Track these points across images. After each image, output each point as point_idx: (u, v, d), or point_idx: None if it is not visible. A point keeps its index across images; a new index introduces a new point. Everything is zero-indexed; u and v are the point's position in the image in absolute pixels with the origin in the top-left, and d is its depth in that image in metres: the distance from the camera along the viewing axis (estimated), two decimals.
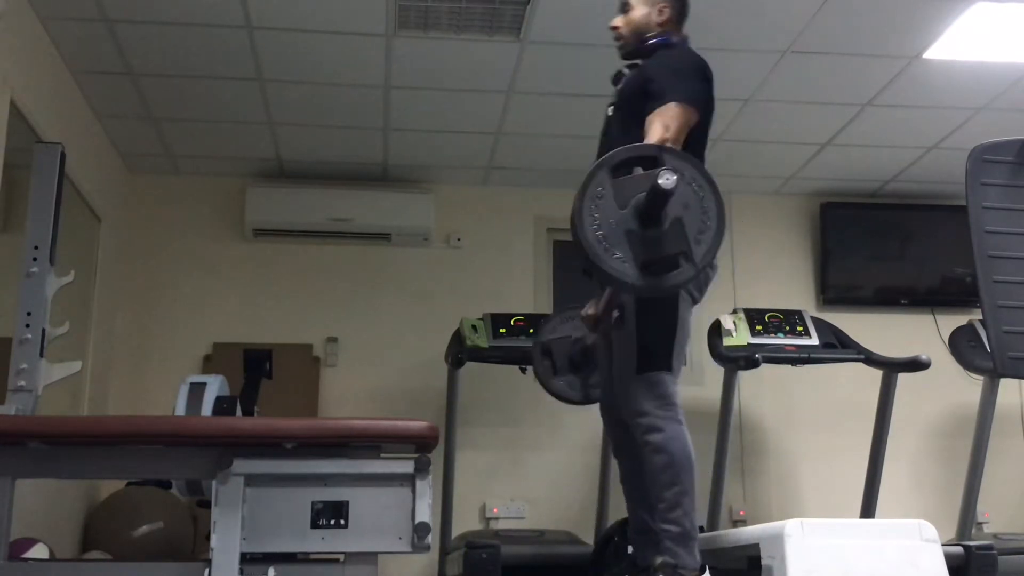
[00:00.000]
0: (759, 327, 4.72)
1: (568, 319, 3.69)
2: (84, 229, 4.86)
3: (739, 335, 4.68)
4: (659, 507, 2.86)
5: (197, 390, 3.05)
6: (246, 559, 2.20)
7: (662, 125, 2.90)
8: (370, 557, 2.26)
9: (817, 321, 4.87)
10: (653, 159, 2.61)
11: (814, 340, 4.76)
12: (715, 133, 5.16)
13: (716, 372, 4.84)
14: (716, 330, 4.72)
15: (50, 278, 2.88)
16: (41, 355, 2.80)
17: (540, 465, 5.47)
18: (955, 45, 4.32)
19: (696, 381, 5.42)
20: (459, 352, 4.63)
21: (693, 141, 3.02)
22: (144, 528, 4.55)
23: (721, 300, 5.21)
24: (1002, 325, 2.93)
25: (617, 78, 3.30)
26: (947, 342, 5.22)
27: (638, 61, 3.23)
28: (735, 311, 4.81)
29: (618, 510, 4.23)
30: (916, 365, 4.60)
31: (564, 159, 5.40)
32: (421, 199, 5.59)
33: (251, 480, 2.24)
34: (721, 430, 4.63)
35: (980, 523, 5.34)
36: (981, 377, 4.82)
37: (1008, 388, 5.30)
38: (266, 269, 5.57)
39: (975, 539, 4.21)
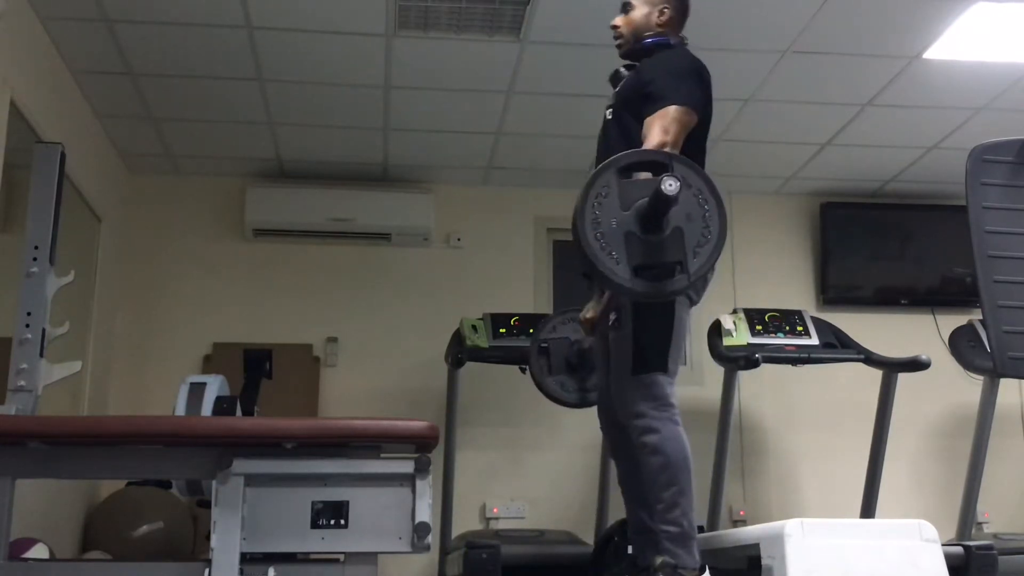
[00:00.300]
0: (759, 327, 4.72)
1: (567, 320, 3.70)
2: (84, 229, 4.86)
3: (739, 335, 4.68)
4: (657, 507, 2.86)
5: (197, 390, 3.05)
6: (246, 559, 2.20)
7: (661, 128, 2.90)
8: (370, 557, 2.26)
9: (817, 321, 4.87)
10: (662, 165, 2.62)
11: (814, 340, 4.76)
12: (715, 133, 5.17)
13: (716, 372, 4.84)
14: (716, 330, 4.72)
15: (50, 278, 2.88)
16: (41, 355, 2.80)
17: (540, 465, 5.47)
18: (955, 45, 4.32)
19: (696, 381, 5.42)
20: (459, 352, 4.63)
21: (692, 143, 3.02)
22: (144, 528, 4.55)
23: (721, 300, 5.21)
24: (1002, 325, 2.93)
25: (615, 78, 3.30)
26: (947, 342, 5.21)
27: (636, 63, 3.23)
28: (735, 311, 4.81)
29: (618, 510, 4.23)
30: (916, 365, 4.60)
31: (564, 159, 5.40)
32: (421, 199, 5.59)
33: (251, 480, 2.23)
34: (721, 430, 4.63)
35: (980, 523, 5.35)
36: (981, 377, 4.82)
37: (1008, 388, 5.30)
38: (266, 269, 5.57)
39: (975, 539, 4.22)
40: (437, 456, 2.64)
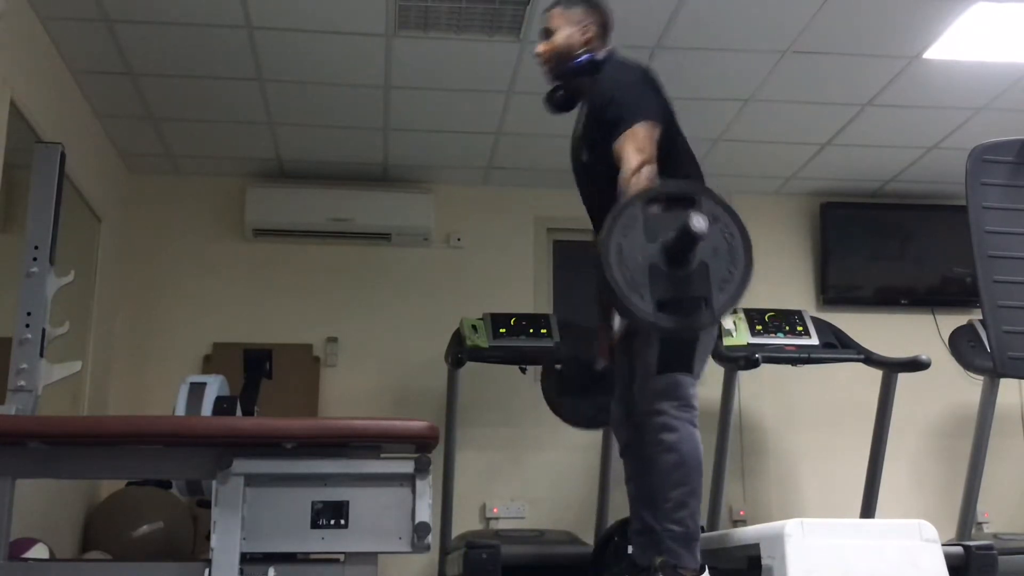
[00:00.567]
0: (759, 327, 4.73)
1: (583, 338, 3.65)
2: (84, 229, 4.86)
3: (739, 335, 4.68)
4: (665, 506, 2.87)
5: (197, 390, 3.05)
6: (246, 559, 2.20)
7: (634, 149, 2.89)
8: (370, 557, 2.26)
9: (817, 321, 4.87)
10: (692, 199, 2.59)
11: (814, 340, 4.76)
12: (715, 133, 5.22)
13: (716, 372, 4.83)
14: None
15: (50, 278, 2.88)
16: (41, 355, 2.80)
17: (540, 465, 5.47)
18: (955, 45, 4.32)
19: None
20: (459, 352, 4.62)
21: (670, 144, 3.03)
22: (144, 528, 4.55)
23: None
24: (1002, 325, 2.93)
25: (551, 98, 3.32)
26: (947, 342, 5.21)
27: (565, 83, 3.26)
28: (735, 311, 4.81)
29: (618, 510, 4.24)
30: (916, 365, 4.60)
31: (564, 159, 5.36)
32: (421, 199, 5.59)
33: (251, 480, 2.23)
34: (721, 430, 4.63)
35: (980, 523, 5.35)
36: (981, 377, 4.82)
37: (1008, 388, 5.30)
38: (266, 269, 5.57)
39: (975, 539, 4.21)
40: (437, 456, 2.64)
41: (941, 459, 5.62)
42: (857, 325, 5.09)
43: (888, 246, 5.91)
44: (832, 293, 5.83)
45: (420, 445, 2.31)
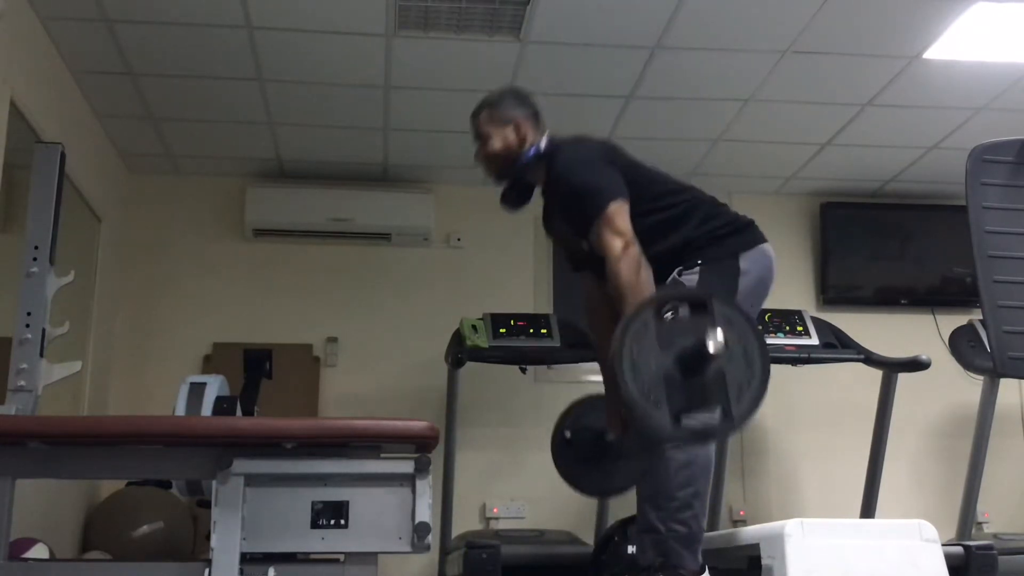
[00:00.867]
0: (759, 327, 4.72)
1: (591, 408, 3.61)
2: (84, 229, 4.86)
3: None
4: (670, 506, 2.86)
5: (197, 390, 3.05)
6: (246, 559, 2.20)
7: (611, 234, 2.92)
8: (370, 557, 2.26)
9: (817, 321, 4.87)
10: (702, 304, 2.58)
11: (814, 340, 4.75)
12: (715, 133, 5.22)
13: None
14: None
15: (50, 278, 2.88)
16: (41, 355, 2.80)
17: (540, 465, 5.40)
18: (955, 45, 4.32)
19: None
20: (459, 352, 4.62)
21: (646, 188, 3.06)
22: (144, 528, 4.55)
23: None
24: (1002, 325, 2.94)
25: (506, 199, 3.38)
26: (947, 342, 5.21)
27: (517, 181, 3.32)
28: None
29: (618, 510, 4.24)
30: (916, 365, 4.61)
31: None
32: (421, 199, 5.59)
33: (251, 480, 2.23)
34: None
35: (980, 523, 5.35)
36: (981, 377, 4.82)
37: (1008, 388, 5.30)
38: (266, 269, 5.57)
39: (975, 539, 4.21)
40: (437, 456, 2.64)
41: (941, 459, 5.62)
42: (857, 325, 5.09)
43: (888, 246, 5.91)
44: (832, 293, 5.83)
45: (420, 445, 2.31)
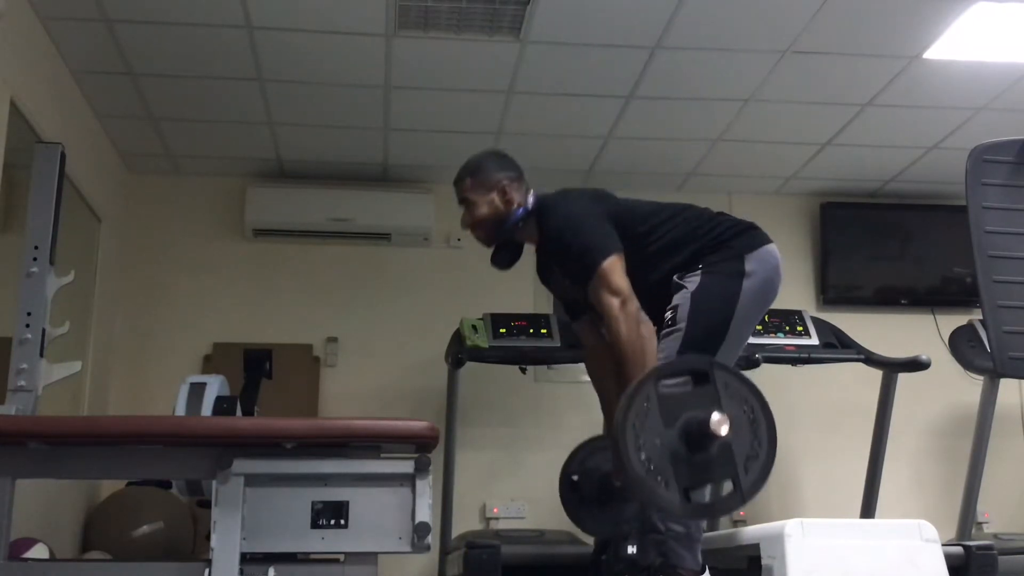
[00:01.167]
0: (759, 327, 4.72)
1: (596, 451, 3.61)
2: (84, 229, 4.86)
3: None
4: None
5: (197, 390, 3.05)
6: (246, 559, 2.20)
7: (608, 292, 2.93)
8: (370, 557, 2.26)
9: (817, 321, 4.87)
10: (704, 374, 2.53)
11: (814, 340, 4.76)
12: (715, 133, 5.22)
13: None
14: None
15: (50, 278, 2.88)
16: (41, 355, 2.80)
17: (540, 465, 5.45)
18: (955, 45, 4.32)
19: None
20: (459, 352, 4.62)
21: (639, 237, 3.07)
22: (144, 528, 4.55)
23: None
24: (1002, 325, 2.93)
25: (497, 260, 3.39)
26: (947, 342, 5.22)
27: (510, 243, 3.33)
28: None
29: None
30: (916, 365, 4.61)
31: (564, 159, 5.40)
32: (421, 199, 5.59)
33: (251, 480, 2.24)
34: None
35: (980, 523, 5.35)
36: (981, 377, 4.82)
37: (1008, 388, 5.30)
38: (266, 269, 5.57)
39: (975, 539, 4.22)
40: (437, 456, 2.64)
41: (941, 459, 5.62)
42: (857, 325, 5.09)
43: (888, 246, 5.91)
44: (832, 293, 5.83)
45: (420, 445, 2.31)
